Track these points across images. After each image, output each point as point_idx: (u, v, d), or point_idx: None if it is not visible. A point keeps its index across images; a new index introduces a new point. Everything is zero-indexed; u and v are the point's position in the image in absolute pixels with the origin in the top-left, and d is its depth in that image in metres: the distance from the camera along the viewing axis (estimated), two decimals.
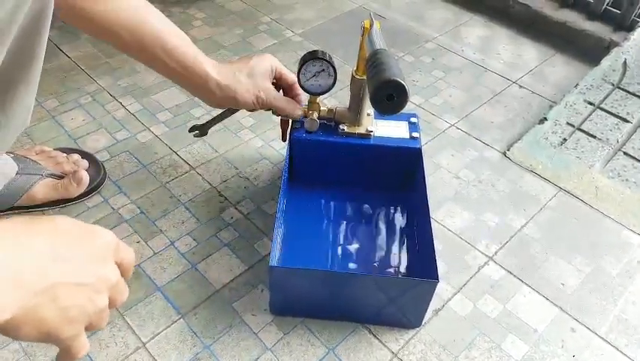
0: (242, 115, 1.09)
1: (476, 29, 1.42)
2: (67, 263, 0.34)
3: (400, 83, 0.55)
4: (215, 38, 1.32)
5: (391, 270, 0.80)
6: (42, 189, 0.83)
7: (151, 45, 0.71)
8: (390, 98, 0.57)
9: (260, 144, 1.03)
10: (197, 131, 0.89)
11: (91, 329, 0.37)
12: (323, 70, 0.78)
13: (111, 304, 0.39)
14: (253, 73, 0.76)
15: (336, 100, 1.13)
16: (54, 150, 0.90)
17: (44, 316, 0.32)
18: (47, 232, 0.35)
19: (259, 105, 0.78)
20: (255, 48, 1.29)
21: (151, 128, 1.04)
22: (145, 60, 0.75)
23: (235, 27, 1.36)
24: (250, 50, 1.29)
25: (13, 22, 0.45)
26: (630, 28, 1.32)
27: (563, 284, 0.82)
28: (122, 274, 0.40)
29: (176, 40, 0.72)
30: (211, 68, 0.74)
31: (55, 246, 0.34)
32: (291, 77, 0.81)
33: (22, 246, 0.33)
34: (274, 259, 0.70)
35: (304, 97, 0.84)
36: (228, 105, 0.80)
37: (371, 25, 0.68)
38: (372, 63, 0.59)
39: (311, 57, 0.77)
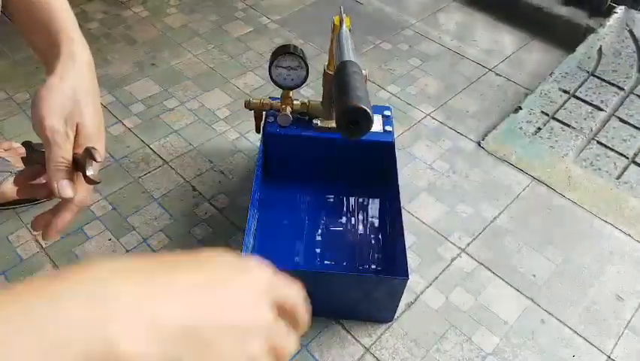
0: (217, 106, 1.07)
1: (454, 15, 1.41)
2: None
3: (364, 109, 0.53)
4: (190, 26, 1.29)
5: (365, 265, 0.81)
6: (11, 187, 0.82)
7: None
8: (354, 123, 0.55)
9: (235, 136, 1.02)
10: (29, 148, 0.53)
11: None
12: (296, 64, 0.77)
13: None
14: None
15: (312, 90, 1.12)
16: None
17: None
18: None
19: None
20: (231, 36, 1.27)
21: (123, 121, 1.03)
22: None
23: (210, 14, 1.34)
24: (225, 38, 1.26)
25: None
26: (606, 14, 1.32)
27: (534, 276, 0.83)
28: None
29: None
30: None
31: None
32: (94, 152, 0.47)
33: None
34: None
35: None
36: None
37: (341, 23, 0.67)
38: (338, 81, 0.57)
39: (283, 51, 0.76)
